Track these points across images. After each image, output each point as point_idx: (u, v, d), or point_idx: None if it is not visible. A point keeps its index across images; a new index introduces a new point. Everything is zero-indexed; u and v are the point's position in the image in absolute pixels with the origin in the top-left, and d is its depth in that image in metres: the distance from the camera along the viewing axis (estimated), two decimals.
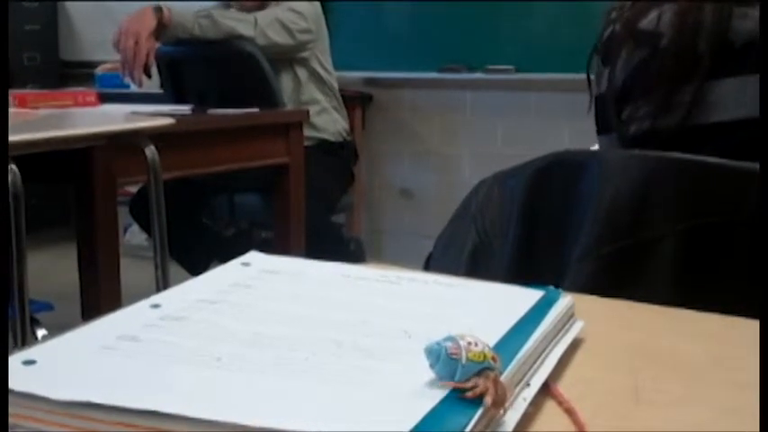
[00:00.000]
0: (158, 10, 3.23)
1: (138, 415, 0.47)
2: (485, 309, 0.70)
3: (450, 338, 0.51)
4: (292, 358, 0.56)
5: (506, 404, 0.51)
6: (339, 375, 0.54)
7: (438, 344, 0.51)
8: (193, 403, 0.47)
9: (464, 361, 0.50)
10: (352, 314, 0.66)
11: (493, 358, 0.51)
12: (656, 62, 1.02)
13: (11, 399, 0.49)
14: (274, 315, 0.65)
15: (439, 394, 0.50)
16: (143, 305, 0.65)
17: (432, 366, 0.51)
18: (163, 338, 0.59)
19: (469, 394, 0.49)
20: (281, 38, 3.35)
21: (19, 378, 0.50)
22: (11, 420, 0.48)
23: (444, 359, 0.50)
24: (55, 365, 0.53)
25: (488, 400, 0.49)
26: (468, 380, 0.50)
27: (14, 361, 0.53)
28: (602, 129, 1.12)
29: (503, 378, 0.52)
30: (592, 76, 1.15)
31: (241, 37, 3.28)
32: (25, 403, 0.48)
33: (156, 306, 0.64)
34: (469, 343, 0.51)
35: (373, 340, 0.60)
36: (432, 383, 0.51)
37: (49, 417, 0.48)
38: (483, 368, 0.50)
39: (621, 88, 1.05)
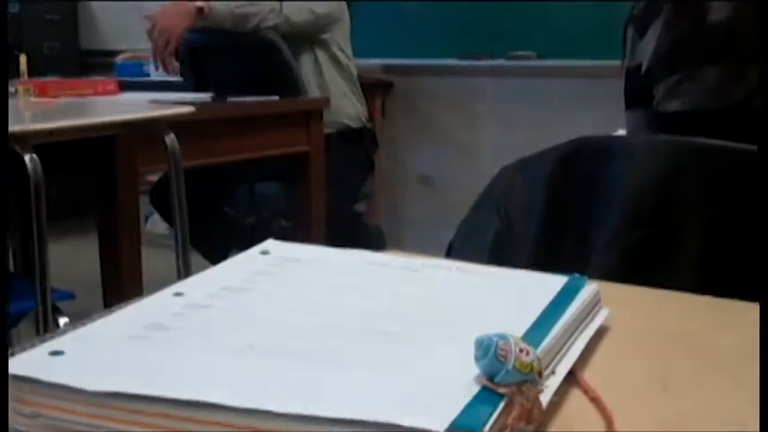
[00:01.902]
0: (200, 10, 3.22)
1: (177, 405, 0.46)
2: (510, 296, 0.69)
3: (503, 337, 0.50)
4: (324, 346, 0.56)
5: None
6: (373, 364, 0.53)
7: (490, 339, 0.50)
8: (232, 392, 0.47)
9: (510, 366, 0.49)
10: (378, 302, 0.66)
11: (539, 372, 0.50)
12: (713, 34, 0.99)
13: (39, 389, 0.48)
14: (299, 303, 0.65)
15: (475, 386, 0.49)
16: (166, 294, 0.65)
17: (476, 359, 0.50)
18: (190, 327, 0.59)
19: (509, 421, 0.47)
20: (301, 16, 3.36)
21: (48, 369, 0.50)
22: (39, 411, 0.48)
23: (491, 357, 0.49)
24: (83, 355, 0.53)
25: (522, 423, 0.48)
26: (507, 385, 0.48)
27: (41, 351, 0.53)
28: (632, 103, 1.10)
29: None
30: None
31: (268, 28, 3.30)
32: (56, 394, 0.48)
33: (179, 294, 0.64)
34: (521, 350, 0.49)
35: (403, 328, 0.60)
36: (467, 374, 0.50)
37: (83, 408, 0.47)
38: (526, 380, 0.49)
39: (661, 59, 1.03)
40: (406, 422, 0.44)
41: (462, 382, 0.49)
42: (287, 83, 3.32)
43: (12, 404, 0.49)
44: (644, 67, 1.06)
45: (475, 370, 0.50)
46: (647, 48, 1.05)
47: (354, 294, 0.68)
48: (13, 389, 0.49)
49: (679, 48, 1.02)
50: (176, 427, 0.46)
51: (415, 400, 0.48)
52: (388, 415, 0.45)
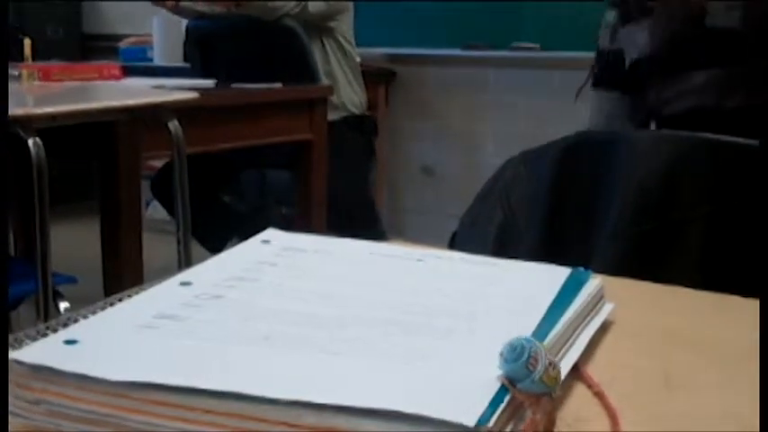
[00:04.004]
0: None
1: (199, 395, 0.46)
2: (515, 289, 0.69)
3: (535, 345, 0.50)
4: (342, 337, 0.56)
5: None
6: (394, 354, 0.53)
7: (523, 345, 0.49)
8: (259, 383, 0.47)
9: (536, 378, 0.49)
10: (387, 292, 0.66)
11: (558, 386, 0.50)
12: (711, 37, 1.00)
13: (56, 378, 0.48)
14: (309, 293, 0.65)
15: (495, 383, 0.49)
16: (173, 282, 0.65)
17: (504, 360, 0.50)
18: (202, 317, 0.59)
19: (524, 428, 0.48)
20: (316, 5, 3.36)
21: (64, 358, 0.50)
22: (45, 398, 0.48)
23: (521, 365, 0.49)
24: (98, 345, 0.53)
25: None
26: (528, 394, 0.48)
27: (55, 340, 0.53)
28: (603, 83, 1.11)
29: None
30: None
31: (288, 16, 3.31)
32: (75, 383, 0.48)
33: (186, 284, 0.64)
34: (549, 363, 0.49)
35: (417, 318, 0.60)
36: (484, 369, 0.50)
37: (97, 397, 0.47)
38: (546, 393, 0.49)
39: (656, 60, 1.03)
40: (438, 415, 0.44)
41: (481, 377, 0.49)
42: (303, 70, 3.32)
43: (17, 391, 0.49)
44: (630, 58, 1.06)
45: (490, 364, 0.50)
46: (633, 39, 1.06)
47: (363, 285, 0.68)
48: (23, 376, 0.49)
49: (676, 51, 1.02)
50: (196, 419, 0.46)
51: (439, 392, 0.48)
52: (420, 407, 0.44)
